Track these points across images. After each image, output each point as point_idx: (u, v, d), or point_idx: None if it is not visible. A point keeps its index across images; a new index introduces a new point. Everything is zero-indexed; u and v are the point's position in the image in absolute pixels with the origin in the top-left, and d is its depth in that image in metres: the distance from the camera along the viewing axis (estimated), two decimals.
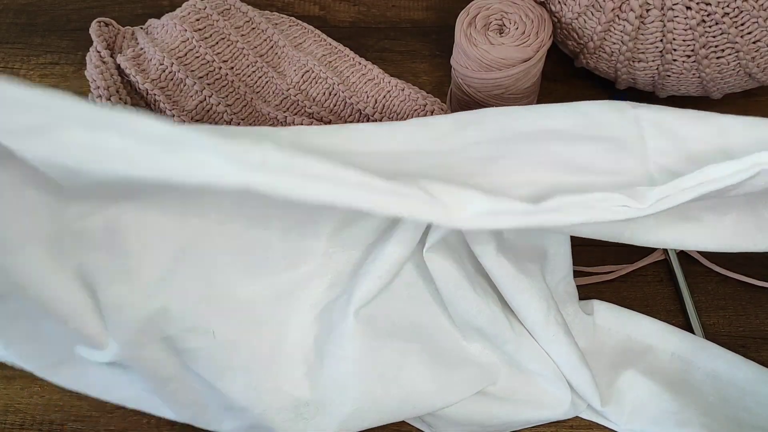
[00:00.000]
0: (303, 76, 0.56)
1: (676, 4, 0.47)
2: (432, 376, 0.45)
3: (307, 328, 0.46)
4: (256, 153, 0.28)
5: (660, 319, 0.49)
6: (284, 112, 0.54)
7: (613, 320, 0.49)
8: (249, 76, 0.56)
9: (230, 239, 0.43)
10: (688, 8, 0.47)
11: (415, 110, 0.53)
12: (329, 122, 0.54)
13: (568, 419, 0.46)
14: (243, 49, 0.56)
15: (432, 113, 0.52)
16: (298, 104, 0.55)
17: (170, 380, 0.43)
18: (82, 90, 0.59)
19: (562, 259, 0.47)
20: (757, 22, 0.47)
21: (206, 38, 0.56)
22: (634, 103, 0.40)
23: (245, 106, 0.55)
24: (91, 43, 0.55)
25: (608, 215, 0.34)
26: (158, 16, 0.58)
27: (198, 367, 0.44)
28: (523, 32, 0.49)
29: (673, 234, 0.39)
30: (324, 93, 0.55)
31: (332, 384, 0.45)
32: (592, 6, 0.50)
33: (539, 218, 0.33)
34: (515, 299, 0.44)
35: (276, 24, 0.59)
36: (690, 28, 0.48)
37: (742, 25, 0.47)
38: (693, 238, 0.39)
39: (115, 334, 0.38)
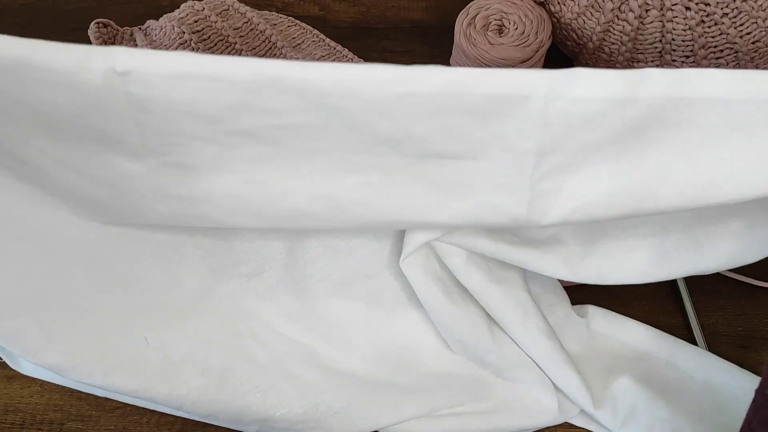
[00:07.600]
0: None
1: (676, 4, 0.47)
2: (408, 381, 0.45)
3: (285, 336, 0.46)
4: None
5: (659, 319, 0.49)
6: None
7: (608, 326, 0.48)
8: None
9: None
10: (688, 8, 0.47)
11: None
12: None
13: (558, 426, 0.46)
14: (241, 51, 0.56)
15: None
16: None
17: None
18: None
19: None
20: (756, 22, 0.47)
21: (204, 40, 0.55)
22: None
23: None
24: (90, 43, 0.55)
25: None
26: (158, 17, 0.58)
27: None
28: (523, 32, 0.49)
29: (610, 265, 0.42)
30: None
31: (315, 390, 0.44)
32: (592, 6, 0.50)
33: None
34: (490, 308, 0.44)
35: (275, 24, 0.59)
36: (689, 29, 0.48)
37: (742, 25, 0.47)
38: (632, 268, 0.42)
39: None
